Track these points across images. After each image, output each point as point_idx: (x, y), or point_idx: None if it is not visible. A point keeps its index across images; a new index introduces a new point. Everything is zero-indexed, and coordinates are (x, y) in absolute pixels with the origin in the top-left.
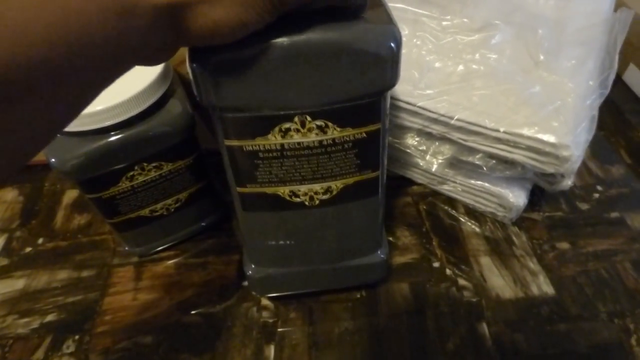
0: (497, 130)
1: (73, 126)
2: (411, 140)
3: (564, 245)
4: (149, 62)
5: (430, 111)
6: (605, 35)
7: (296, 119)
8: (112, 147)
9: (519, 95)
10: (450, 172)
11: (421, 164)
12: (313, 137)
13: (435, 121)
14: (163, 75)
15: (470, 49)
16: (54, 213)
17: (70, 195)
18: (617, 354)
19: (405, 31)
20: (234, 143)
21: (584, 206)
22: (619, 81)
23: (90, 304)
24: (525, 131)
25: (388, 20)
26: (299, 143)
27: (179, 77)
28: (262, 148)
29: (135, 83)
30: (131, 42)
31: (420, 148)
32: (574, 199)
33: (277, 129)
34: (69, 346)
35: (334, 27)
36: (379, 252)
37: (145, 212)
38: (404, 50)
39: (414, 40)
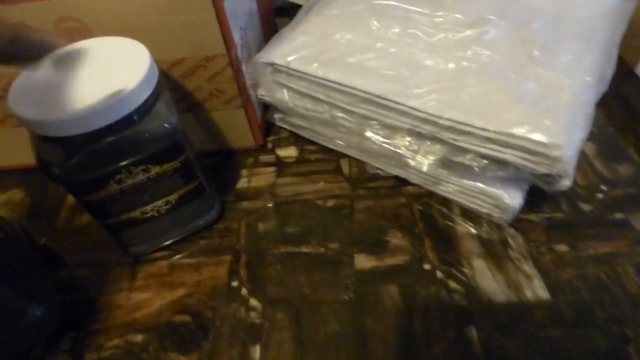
0: (487, 130)
1: (58, 131)
2: (402, 141)
3: (562, 248)
4: None
5: (419, 110)
6: (607, 27)
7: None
8: (99, 151)
9: (511, 92)
10: (444, 173)
11: (412, 164)
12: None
13: (425, 121)
14: (148, 79)
15: (462, 46)
16: (57, 214)
17: (71, 197)
18: None
19: (395, 29)
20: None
21: (586, 207)
22: (631, 75)
23: (86, 303)
24: (515, 130)
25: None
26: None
27: (166, 79)
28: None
29: (120, 86)
30: None
31: (412, 148)
32: (576, 199)
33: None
34: (66, 343)
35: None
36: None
37: (137, 214)
38: (393, 49)
39: (405, 38)
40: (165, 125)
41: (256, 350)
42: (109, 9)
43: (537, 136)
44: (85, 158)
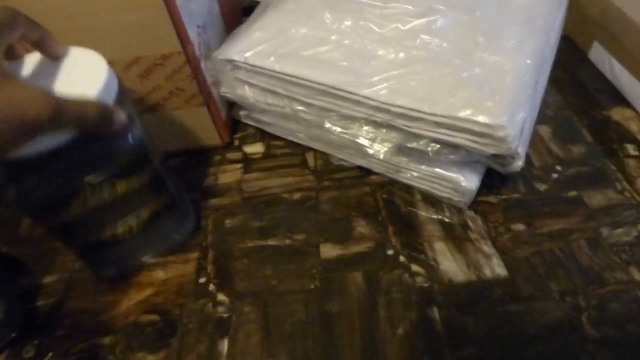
0: (435, 115)
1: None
2: (359, 130)
3: (519, 227)
4: None
5: (372, 99)
6: (547, 13)
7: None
8: (57, 171)
9: (457, 78)
10: (403, 160)
11: (370, 152)
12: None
13: (378, 109)
14: (106, 89)
15: (411, 35)
16: (19, 222)
17: None
18: (567, 331)
19: (347, 22)
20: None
21: (541, 187)
22: (584, 60)
23: (51, 309)
24: (461, 114)
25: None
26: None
27: (125, 87)
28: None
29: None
30: None
31: (369, 137)
32: (532, 180)
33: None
34: (29, 351)
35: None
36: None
37: (106, 234)
38: (347, 41)
39: (358, 30)
40: (129, 137)
41: (224, 344)
42: (56, 5)
43: (481, 118)
44: (43, 179)
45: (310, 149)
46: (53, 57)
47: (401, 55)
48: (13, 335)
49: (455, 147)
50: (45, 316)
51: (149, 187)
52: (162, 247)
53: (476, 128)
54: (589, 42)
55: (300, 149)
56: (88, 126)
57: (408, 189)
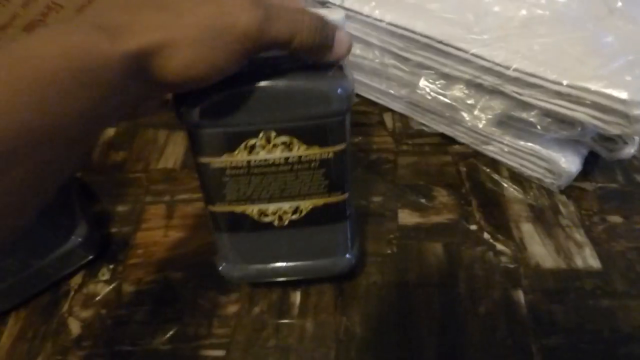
0: (560, 84)
1: None
2: (458, 93)
3: (616, 219)
4: (131, 116)
5: (484, 59)
6: None
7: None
8: (247, 94)
9: (588, 44)
10: (497, 131)
11: (467, 119)
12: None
13: (489, 71)
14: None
15: None
16: (92, 149)
17: (107, 133)
18: None
19: None
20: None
21: None
22: None
23: (124, 237)
24: (592, 85)
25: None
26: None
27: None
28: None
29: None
30: (107, 100)
31: (468, 102)
32: (631, 171)
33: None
34: (104, 274)
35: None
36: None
37: (253, 211)
38: None
39: None
40: (340, 88)
41: (296, 296)
42: None
43: (617, 92)
44: (231, 98)
45: (388, 109)
46: None
47: (522, 12)
48: (90, 257)
49: (569, 122)
50: (120, 243)
51: (327, 172)
52: (302, 271)
53: (607, 103)
54: None
55: (377, 109)
56: (301, 44)
57: (494, 163)
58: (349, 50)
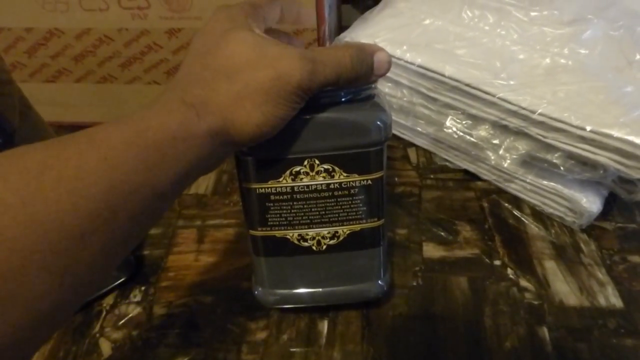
0: (583, 129)
1: None
2: (484, 132)
3: (637, 259)
4: (210, 171)
5: (510, 103)
6: None
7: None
8: (299, 123)
9: (609, 93)
10: (520, 170)
11: (492, 158)
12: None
13: (515, 114)
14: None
15: (558, 43)
16: None
17: None
18: None
19: (489, 20)
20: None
21: None
22: None
23: (156, 259)
24: (615, 132)
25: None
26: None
27: None
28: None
29: None
30: (195, 167)
31: (494, 141)
32: None
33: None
34: (136, 295)
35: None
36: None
37: (293, 235)
38: (485, 40)
39: (498, 30)
40: (378, 120)
41: (324, 325)
42: None
43: (639, 139)
44: (283, 129)
45: (412, 144)
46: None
47: (547, 61)
48: (123, 278)
49: (592, 165)
50: (152, 265)
51: (365, 197)
52: (335, 297)
53: (630, 149)
54: None
55: (401, 143)
56: (347, 80)
57: (516, 200)
58: (389, 66)
